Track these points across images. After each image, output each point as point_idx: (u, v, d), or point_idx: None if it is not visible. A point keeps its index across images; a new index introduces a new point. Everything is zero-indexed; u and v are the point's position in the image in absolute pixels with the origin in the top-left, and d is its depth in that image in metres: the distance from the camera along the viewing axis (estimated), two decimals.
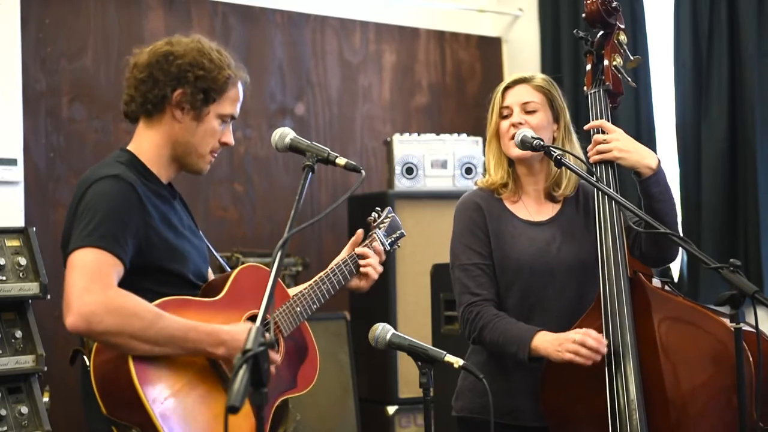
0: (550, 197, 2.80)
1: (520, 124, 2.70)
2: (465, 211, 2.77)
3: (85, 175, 2.36)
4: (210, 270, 2.57)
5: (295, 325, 2.49)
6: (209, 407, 2.25)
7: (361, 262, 2.63)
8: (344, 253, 2.66)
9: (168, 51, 2.38)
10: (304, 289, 2.56)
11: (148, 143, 2.40)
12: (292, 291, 2.59)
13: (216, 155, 2.46)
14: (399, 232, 2.81)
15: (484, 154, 2.89)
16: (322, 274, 2.60)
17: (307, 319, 2.55)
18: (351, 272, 2.62)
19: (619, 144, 2.66)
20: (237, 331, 2.25)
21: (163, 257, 2.31)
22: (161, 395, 2.17)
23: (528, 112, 2.73)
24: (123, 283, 2.22)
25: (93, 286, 2.13)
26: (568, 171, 2.72)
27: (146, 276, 2.28)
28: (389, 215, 2.81)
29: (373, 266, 2.64)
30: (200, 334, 2.21)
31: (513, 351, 2.59)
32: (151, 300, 2.23)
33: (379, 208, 2.83)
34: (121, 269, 2.20)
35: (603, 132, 2.70)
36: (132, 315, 2.13)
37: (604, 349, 2.49)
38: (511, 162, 2.79)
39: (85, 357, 2.27)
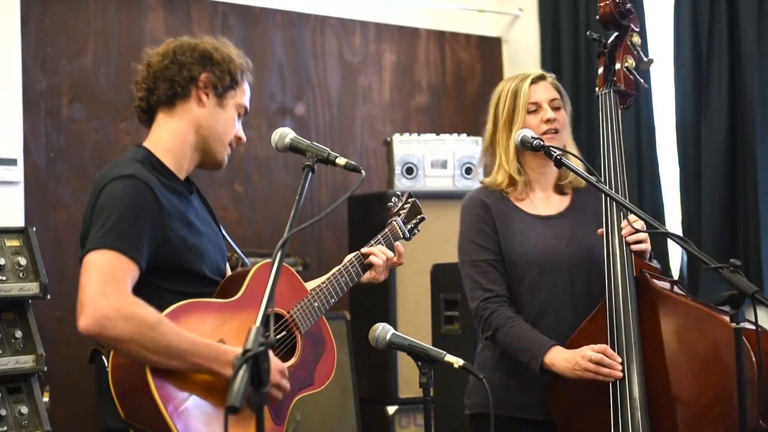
0: (559, 190, 2.80)
1: (555, 119, 2.71)
2: (471, 209, 2.78)
3: (101, 173, 2.33)
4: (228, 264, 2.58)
5: (313, 321, 2.48)
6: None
7: (367, 260, 2.63)
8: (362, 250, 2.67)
9: (183, 41, 2.43)
10: (322, 283, 2.55)
11: (169, 134, 2.38)
12: (310, 284, 2.58)
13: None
14: (419, 217, 2.80)
15: (485, 152, 2.85)
16: (338, 267, 2.60)
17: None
18: (358, 273, 2.62)
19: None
20: None
21: (181, 256, 2.30)
22: (178, 402, 2.17)
23: (555, 109, 2.74)
24: (141, 283, 2.21)
25: (108, 289, 2.12)
26: (574, 160, 2.73)
27: (164, 275, 2.28)
28: (409, 200, 2.80)
29: (378, 264, 2.62)
30: (211, 352, 2.19)
31: (525, 360, 2.61)
32: (169, 299, 2.23)
33: (399, 193, 2.82)
34: (137, 272, 2.19)
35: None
36: (145, 324, 2.12)
37: (618, 374, 2.50)
38: (518, 157, 2.77)
39: (104, 357, 2.25)
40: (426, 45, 5.78)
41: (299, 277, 2.56)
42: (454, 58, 5.88)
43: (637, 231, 2.58)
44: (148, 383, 2.13)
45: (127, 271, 2.16)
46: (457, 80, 5.84)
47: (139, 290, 2.20)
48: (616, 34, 2.78)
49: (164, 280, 2.27)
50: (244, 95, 2.46)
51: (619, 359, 2.51)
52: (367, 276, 2.64)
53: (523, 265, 2.70)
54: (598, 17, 2.77)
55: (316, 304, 2.49)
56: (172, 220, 2.28)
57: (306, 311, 2.47)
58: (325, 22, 5.43)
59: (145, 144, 2.40)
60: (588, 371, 2.51)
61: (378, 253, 2.63)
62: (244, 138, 2.48)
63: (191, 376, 2.20)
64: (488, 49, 5.99)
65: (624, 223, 2.60)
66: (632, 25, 2.77)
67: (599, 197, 2.76)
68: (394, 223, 2.73)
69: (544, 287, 2.69)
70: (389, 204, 2.80)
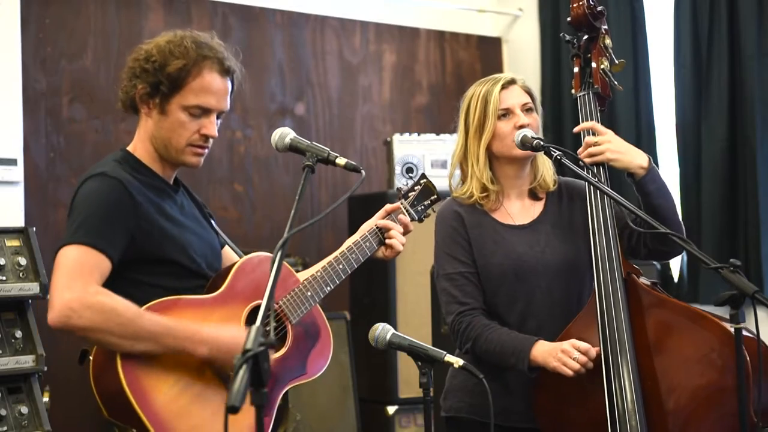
0: (533, 195, 2.77)
1: (529, 124, 2.66)
2: (445, 221, 2.73)
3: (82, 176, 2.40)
4: (235, 257, 2.58)
5: (305, 311, 2.46)
6: (205, 405, 2.25)
7: (387, 233, 2.62)
8: (372, 222, 2.65)
9: (139, 50, 2.41)
10: (317, 271, 2.53)
11: (139, 141, 2.44)
12: (306, 273, 2.57)
13: (204, 148, 2.41)
14: (432, 198, 2.78)
15: (457, 162, 2.78)
16: (338, 252, 2.58)
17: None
18: (371, 248, 2.61)
19: (611, 146, 2.63)
20: (220, 331, 2.26)
21: (160, 246, 2.32)
22: (152, 397, 2.18)
23: (527, 112, 2.71)
24: (121, 277, 2.25)
25: (73, 283, 2.16)
26: (542, 161, 2.73)
27: (145, 267, 2.30)
28: (421, 182, 2.78)
29: (397, 238, 2.63)
30: (181, 332, 2.22)
31: (512, 363, 2.57)
32: (150, 292, 2.26)
33: (411, 176, 2.81)
34: (107, 263, 2.23)
35: (593, 134, 2.68)
36: (110, 311, 2.16)
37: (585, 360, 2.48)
38: (491, 164, 2.73)
39: (91, 358, 2.28)
40: (426, 45, 5.78)
41: (290, 267, 2.55)
42: (454, 58, 5.88)
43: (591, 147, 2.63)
44: (120, 379, 2.16)
45: (95, 263, 2.21)
46: (457, 80, 5.84)
47: (119, 283, 2.24)
48: (587, 36, 2.78)
49: (145, 273, 2.30)
50: (193, 94, 2.34)
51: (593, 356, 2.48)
52: (381, 252, 2.64)
53: (498, 276, 2.66)
54: (569, 19, 2.76)
55: (309, 293, 2.48)
56: (148, 212, 2.31)
57: (297, 301, 2.46)
58: (325, 22, 5.43)
59: (129, 147, 2.45)
60: (565, 365, 2.46)
61: (393, 226, 2.63)
62: (213, 133, 2.38)
63: (167, 369, 2.22)
64: (488, 49, 5.99)
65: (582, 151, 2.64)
66: (603, 27, 2.78)
67: (573, 199, 2.75)
68: (400, 206, 2.71)
69: (521, 296, 2.65)
70: (399, 187, 2.79)
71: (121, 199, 2.27)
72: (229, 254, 2.60)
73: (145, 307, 2.22)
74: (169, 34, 2.41)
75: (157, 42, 2.39)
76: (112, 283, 2.24)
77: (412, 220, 2.72)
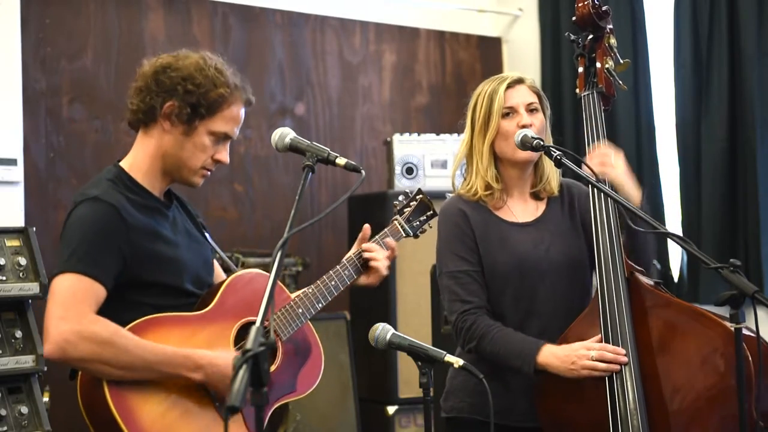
0: (535, 195, 2.77)
1: (531, 125, 2.66)
2: (450, 218, 2.72)
3: (75, 194, 2.38)
4: (221, 271, 2.58)
5: (295, 328, 2.47)
6: (192, 421, 2.26)
7: (366, 255, 2.61)
8: (352, 250, 2.65)
9: (168, 63, 2.39)
10: (309, 288, 2.53)
11: (141, 154, 2.41)
12: (297, 293, 2.57)
13: (210, 172, 2.45)
14: (428, 213, 2.79)
15: (463, 158, 2.78)
16: (331, 271, 2.58)
17: (310, 319, 2.52)
18: (357, 270, 2.60)
19: (623, 170, 2.64)
20: (214, 356, 2.26)
21: (152, 270, 2.32)
22: (139, 415, 2.19)
23: (531, 112, 2.71)
24: (115, 298, 2.25)
25: (68, 314, 2.17)
26: (549, 165, 2.73)
27: (138, 289, 2.30)
28: (417, 197, 2.79)
29: (379, 260, 2.62)
30: (177, 359, 2.22)
31: (517, 365, 2.57)
32: (144, 312, 2.26)
33: (408, 191, 2.81)
34: (101, 290, 2.23)
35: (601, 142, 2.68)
36: (105, 342, 2.16)
37: (625, 359, 2.47)
38: (495, 163, 2.74)
39: (79, 374, 2.29)
40: (426, 45, 5.78)
41: (281, 285, 2.56)
42: (454, 58, 5.87)
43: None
44: (106, 398, 2.16)
45: (89, 291, 2.21)
46: (457, 80, 5.84)
47: (112, 305, 2.24)
48: (592, 35, 2.78)
49: (138, 294, 2.30)
50: (223, 121, 2.39)
51: (622, 351, 2.47)
52: (363, 279, 2.63)
53: (504, 274, 2.66)
54: (574, 18, 2.76)
55: (300, 311, 2.48)
56: (142, 236, 2.31)
57: (287, 318, 2.46)
58: (325, 22, 5.43)
59: (123, 162, 2.44)
60: (586, 369, 2.48)
61: (376, 248, 2.62)
62: (226, 160, 2.45)
63: (153, 387, 2.22)
64: (488, 49, 5.99)
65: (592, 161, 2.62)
66: (608, 27, 2.77)
67: (574, 199, 2.76)
68: (395, 222, 2.71)
69: (526, 295, 2.66)
70: (395, 202, 2.79)
71: (113, 225, 2.27)
72: (219, 267, 2.60)
73: (131, 324, 2.23)
74: (195, 56, 2.40)
75: (191, 64, 2.37)
76: (105, 304, 2.24)
77: (407, 236, 2.73)
